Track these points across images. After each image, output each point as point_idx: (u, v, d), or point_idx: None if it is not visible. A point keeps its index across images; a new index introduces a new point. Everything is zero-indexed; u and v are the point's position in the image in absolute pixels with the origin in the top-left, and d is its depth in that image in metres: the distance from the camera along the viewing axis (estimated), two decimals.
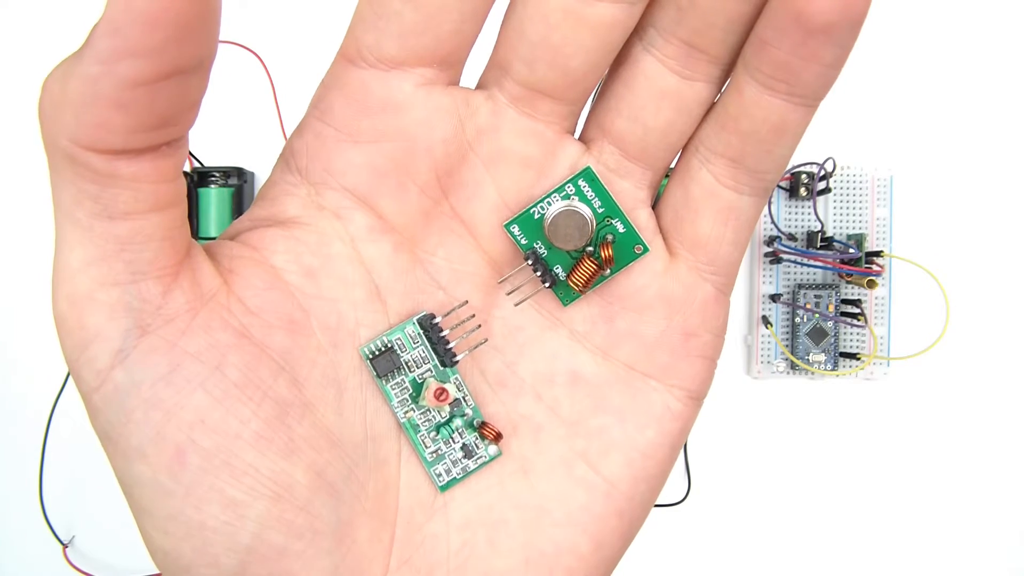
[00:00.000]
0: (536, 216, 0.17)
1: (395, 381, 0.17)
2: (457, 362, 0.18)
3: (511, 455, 0.18)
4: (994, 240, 0.47)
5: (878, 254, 0.44)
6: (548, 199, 0.17)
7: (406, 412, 0.17)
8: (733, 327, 0.47)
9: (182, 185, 0.14)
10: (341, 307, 0.16)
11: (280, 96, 0.45)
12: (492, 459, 0.18)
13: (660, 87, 0.16)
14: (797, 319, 0.44)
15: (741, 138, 0.16)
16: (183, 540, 0.14)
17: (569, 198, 0.17)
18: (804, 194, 0.44)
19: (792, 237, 0.45)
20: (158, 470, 0.14)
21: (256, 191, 0.45)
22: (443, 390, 0.17)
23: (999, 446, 0.47)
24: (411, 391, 0.17)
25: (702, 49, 0.16)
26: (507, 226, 0.17)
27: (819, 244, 0.44)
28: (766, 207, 0.35)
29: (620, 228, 0.17)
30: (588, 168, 0.17)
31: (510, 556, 0.17)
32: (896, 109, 0.47)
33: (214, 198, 0.43)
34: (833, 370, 0.45)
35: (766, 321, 0.45)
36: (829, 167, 0.43)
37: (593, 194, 0.17)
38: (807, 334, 0.45)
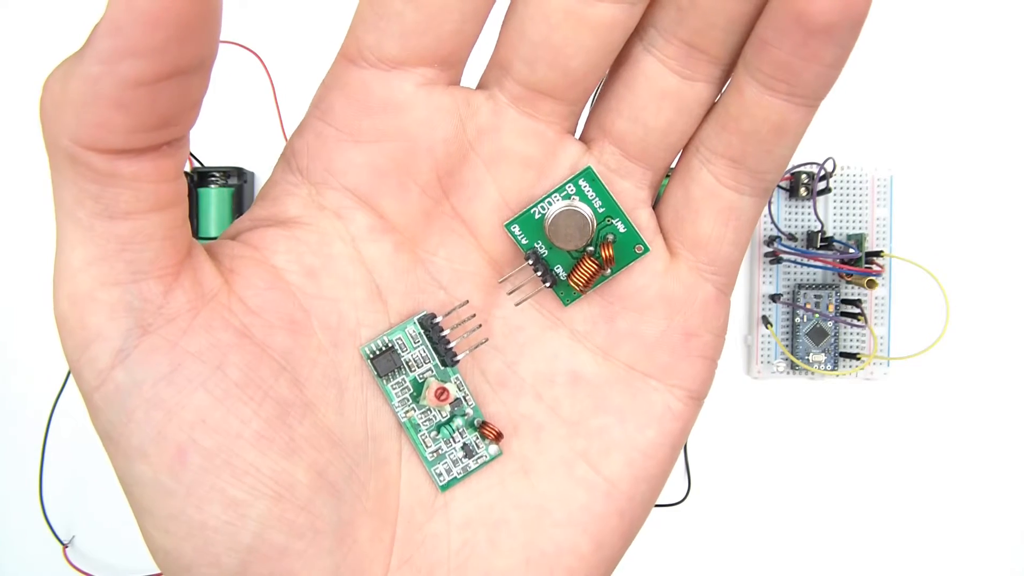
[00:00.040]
0: (537, 216, 0.17)
1: (396, 381, 0.17)
2: (458, 362, 0.18)
3: (512, 455, 0.18)
4: (994, 240, 0.47)
5: (878, 254, 0.44)
6: (549, 199, 0.17)
7: (407, 412, 0.17)
8: (733, 327, 0.47)
9: (183, 185, 0.14)
10: (342, 307, 0.16)
11: (280, 96, 0.45)
12: (493, 459, 0.18)
13: (661, 87, 0.16)
14: (797, 319, 0.44)
15: (742, 138, 0.16)
16: (184, 540, 0.14)
17: (570, 198, 0.17)
18: (804, 194, 0.44)
19: (792, 237, 0.45)
20: (159, 470, 0.14)
21: (256, 191, 0.45)
22: (444, 390, 0.17)
23: (999, 446, 0.47)
24: (412, 391, 0.17)
25: (703, 49, 0.16)
26: (508, 226, 0.17)
27: (819, 244, 0.44)
28: (766, 207, 0.35)
29: (621, 228, 0.17)
30: (589, 168, 0.17)
31: (511, 556, 0.17)
32: (896, 109, 0.47)
33: (214, 198, 0.43)
34: (833, 370, 0.45)
35: (766, 321, 0.45)
36: (829, 167, 0.43)
37: (594, 194, 0.17)
38: (807, 334, 0.45)
